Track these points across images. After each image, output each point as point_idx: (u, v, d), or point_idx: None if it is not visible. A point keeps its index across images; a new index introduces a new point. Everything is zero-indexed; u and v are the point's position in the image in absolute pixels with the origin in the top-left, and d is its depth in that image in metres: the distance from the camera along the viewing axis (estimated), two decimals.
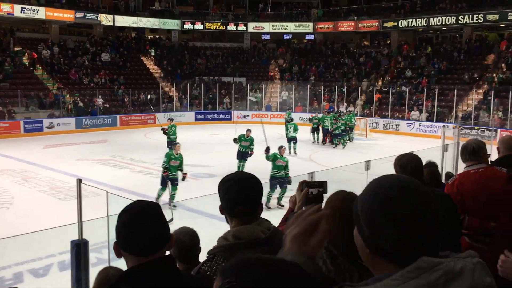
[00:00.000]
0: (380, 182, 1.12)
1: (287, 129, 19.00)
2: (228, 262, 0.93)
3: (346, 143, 20.79)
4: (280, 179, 10.89)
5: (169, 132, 16.35)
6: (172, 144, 14.51)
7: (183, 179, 11.04)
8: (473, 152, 3.56)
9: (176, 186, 10.80)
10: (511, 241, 2.77)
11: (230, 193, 1.90)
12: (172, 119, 17.58)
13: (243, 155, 14.22)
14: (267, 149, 12.55)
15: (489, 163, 3.90)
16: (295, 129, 18.69)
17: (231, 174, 2.01)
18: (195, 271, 1.84)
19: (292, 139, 18.62)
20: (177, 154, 10.93)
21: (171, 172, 10.76)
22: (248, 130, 14.58)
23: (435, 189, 3.44)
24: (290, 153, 17.90)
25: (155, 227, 1.63)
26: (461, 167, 4.05)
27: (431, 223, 1.06)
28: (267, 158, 11.61)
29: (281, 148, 11.59)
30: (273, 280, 0.88)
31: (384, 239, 1.06)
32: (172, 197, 10.57)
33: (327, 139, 21.13)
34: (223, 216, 2.03)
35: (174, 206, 9.80)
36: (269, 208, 10.38)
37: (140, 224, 1.61)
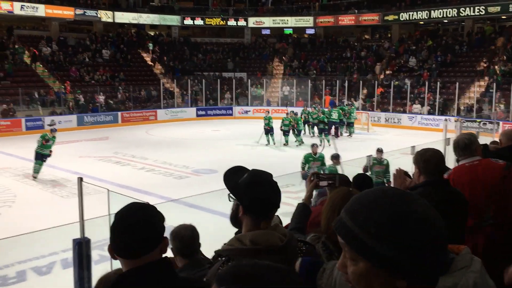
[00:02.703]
0: (406, 213, 0.93)
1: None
2: (224, 269, 0.89)
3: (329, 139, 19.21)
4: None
5: (48, 144, 13.72)
6: (45, 156, 13.55)
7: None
8: (465, 147, 3.54)
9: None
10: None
11: (270, 192, 1.82)
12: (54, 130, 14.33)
13: None
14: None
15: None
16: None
17: (257, 175, 1.86)
18: (211, 276, 1.78)
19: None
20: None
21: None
22: (314, 145, 11.73)
23: (451, 187, 3.28)
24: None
25: (141, 229, 1.58)
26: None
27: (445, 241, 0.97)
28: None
29: (378, 151, 10.30)
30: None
31: (423, 271, 0.91)
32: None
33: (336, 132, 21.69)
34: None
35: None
36: None
37: (125, 227, 1.59)
